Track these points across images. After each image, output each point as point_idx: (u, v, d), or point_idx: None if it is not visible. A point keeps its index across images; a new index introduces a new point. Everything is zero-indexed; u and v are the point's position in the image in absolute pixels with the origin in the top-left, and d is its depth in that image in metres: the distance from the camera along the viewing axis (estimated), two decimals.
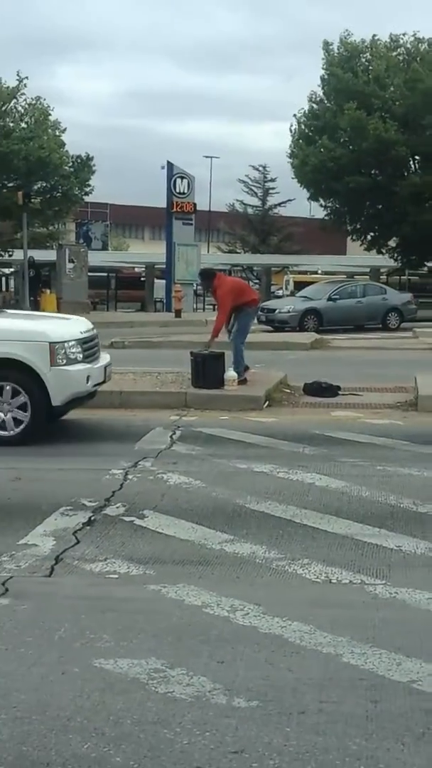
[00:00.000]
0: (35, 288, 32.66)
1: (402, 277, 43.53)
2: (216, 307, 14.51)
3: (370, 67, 36.09)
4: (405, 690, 4.00)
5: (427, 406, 11.45)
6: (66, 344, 9.54)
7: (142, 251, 58.92)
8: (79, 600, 5.10)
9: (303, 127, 37.25)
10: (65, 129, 38.46)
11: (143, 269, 50.17)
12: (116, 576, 5.52)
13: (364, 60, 36.75)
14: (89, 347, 10.06)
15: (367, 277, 44.20)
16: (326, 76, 36.61)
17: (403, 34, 36.80)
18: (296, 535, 6.30)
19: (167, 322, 28.73)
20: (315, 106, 37.10)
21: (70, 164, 38.92)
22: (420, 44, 36.38)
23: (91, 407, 11.47)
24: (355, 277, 43.30)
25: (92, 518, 6.66)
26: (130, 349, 19.90)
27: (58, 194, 38.96)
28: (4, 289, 46.12)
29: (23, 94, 37.04)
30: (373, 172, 35.88)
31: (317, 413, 11.44)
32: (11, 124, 36.49)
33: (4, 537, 6.20)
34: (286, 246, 58.95)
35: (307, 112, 37.31)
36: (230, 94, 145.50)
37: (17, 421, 9.44)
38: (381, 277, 45.07)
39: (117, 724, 3.69)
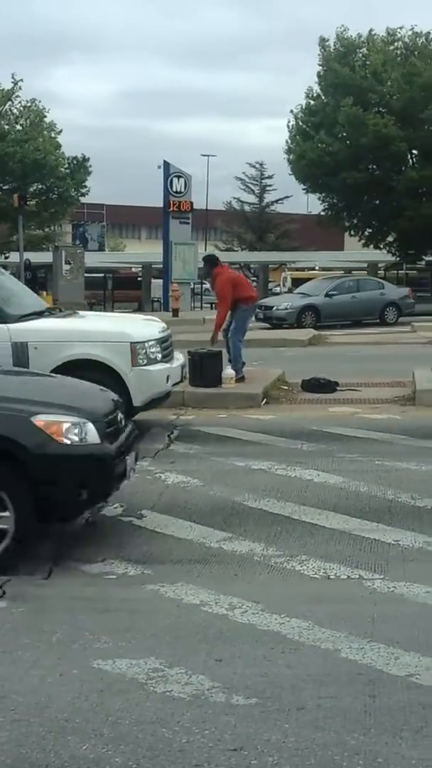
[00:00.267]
0: (32, 290, 32.60)
1: (400, 272, 43.51)
2: (213, 305, 14.52)
3: (367, 62, 36.04)
4: (403, 684, 4.00)
5: (425, 400, 11.44)
6: (146, 344, 9.47)
7: (138, 251, 58.91)
8: (76, 601, 5.11)
9: (300, 123, 37.22)
10: (61, 130, 38.50)
11: (140, 269, 50.16)
12: (114, 576, 5.52)
13: (360, 55, 36.70)
14: (166, 347, 10.05)
15: (365, 272, 44.19)
16: (322, 72, 36.57)
17: (400, 28, 36.75)
18: (294, 531, 6.30)
19: (165, 321, 28.65)
20: (312, 102, 37.06)
21: (66, 166, 38.94)
22: (418, 38, 36.31)
23: None
24: (353, 272, 43.30)
25: (90, 519, 6.65)
26: None
27: (54, 196, 38.98)
28: None
29: (18, 96, 37.06)
30: (370, 167, 35.85)
31: (315, 409, 11.43)
32: (6, 127, 36.48)
33: None
34: (283, 243, 58.91)
35: (304, 107, 37.29)
36: (226, 92, 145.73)
37: None
38: (378, 272, 45.04)
39: (115, 725, 3.69)
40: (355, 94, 34.29)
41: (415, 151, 36.03)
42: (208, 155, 71.02)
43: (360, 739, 3.54)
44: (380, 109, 34.45)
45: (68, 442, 5.68)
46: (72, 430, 5.70)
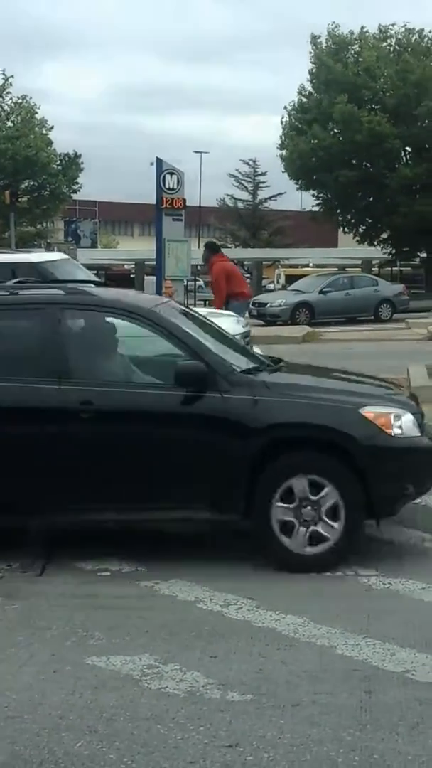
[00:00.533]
0: None
1: (394, 269, 43.53)
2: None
3: (360, 59, 36.05)
4: (399, 680, 3.99)
5: (420, 397, 11.41)
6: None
7: (131, 248, 58.81)
8: (70, 598, 5.08)
9: (293, 120, 37.21)
10: (52, 127, 38.47)
11: (133, 266, 50.08)
12: (108, 573, 5.50)
13: (352, 52, 36.71)
14: (248, 342, 10.10)
15: (359, 269, 44.21)
16: (315, 70, 36.56)
17: (392, 25, 36.78)
18: None
19: None
20: (304, 99, 37.06)
21: (58, 162, 38.90)
22: (411, 35, 36.32)
23: None
24: (347, 269, 43.30)
25: None
26: None
27: (46, 192, 38.95)
28: None
29: (9, 92, 37.00)
30: (364, 164, 35.87)
31: None
32: None
33: None
34: (276, 240, 58.87)
35: (296, 104, 37.28)
36: (218, 89, 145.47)
37: None
38: (373, 268, 45.05)
39: (110, 722, 3.67)
40: (349, 90, 34.30)
41: (408, 148, 36.07)
42: (201, 152, 70.96)
43: (356, 735, 3.53)
44: (373, 106, 34.46)
45: (396, 434, 5.54)
46: (396, 422, 5.57)
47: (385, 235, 38.78)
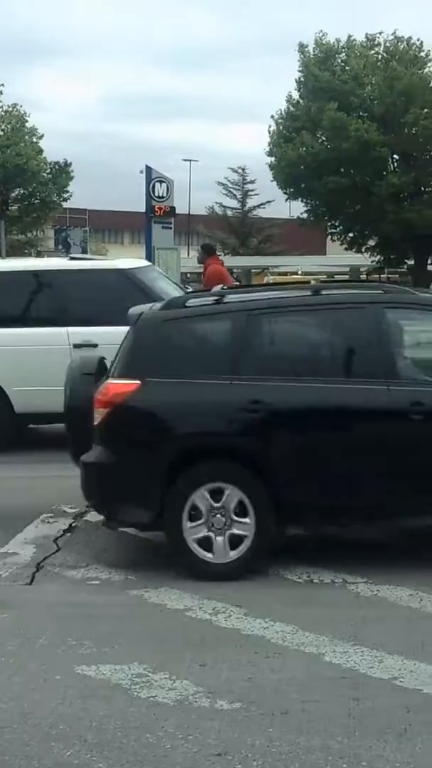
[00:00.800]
0: None
1: (381, 276, 43.68)
2: None
3: (347, 67, 36.22)
4: (387, 687, 4.01)
5: None
6: None
7: (121, 256, 58.84)
8: (60, 607, 5.09)
9: (281, 128, 37.34)
10: (42, 135, 38.45)
11: None
12: (98, 582, 5.51)
13: (339, 60, 36.88)
14: None
15: (347, 276, 44.32)
16: (302, 78, 36.72)
17: (380, 33, 36.97)
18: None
19: None
20: (292, 107, 37.20)
21: (48, 171, 38.89)
22: (399, 43, 36.51)
23: None
24: (336, 276, 43.42)
25: (73, 525, 6.64)
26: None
27: (36, 201, 38.93)
28: None
29: (0, 101, 37.01)
30: (351, 171, 36.00)
31: None
32: None
33: None
34: (266, 248, 59.00)
35: (284, 113, 37.41)
36: (208, 97, 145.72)
37: None
38: (361, 276, 45.20)
39: (100, 731, 3.68)
40: (337, 98, 34.45)
41: (396, 156, 36.23)
42: (190, 160, 71.12)
43: (344, 742, 3.55)
44: (361, 113, 34.61)
45: None
46: None
47: (372, 243, 38.91)
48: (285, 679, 4.10)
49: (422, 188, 35.91)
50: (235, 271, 55.17)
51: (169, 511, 5.46)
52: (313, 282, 33.95)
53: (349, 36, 37.03)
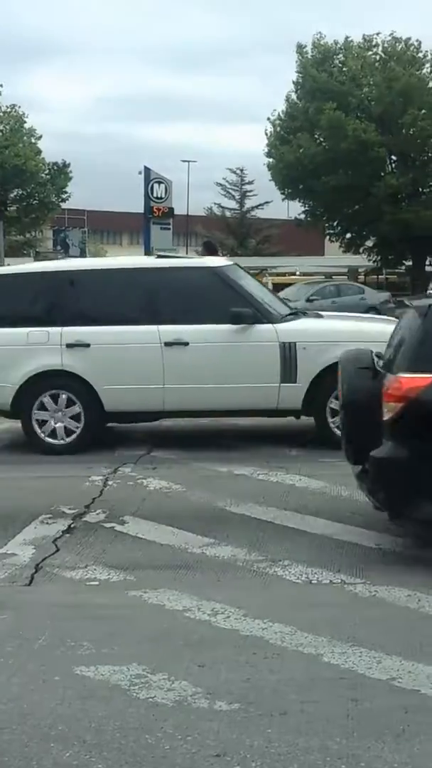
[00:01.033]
0: None
1: (379, 277, 43.74)
2: None
3: (344, 68, 36.27)
4: (385, 688, 4.02)
5: None
6: None
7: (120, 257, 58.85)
8: (59, 608, 5.09)
9: (278, 129, 37.38)
10: (41, 136, 38.53)
11: None
12: (97, 583, 5.52)
13: (337, 61, 36.93)
14: None
15: (345, 277, 44.36)
16: (300, 80, 36.77)
17: (377, 34, 37.04)
18: (276, 536, 6.32)
19: None
20: (289, 109, 37.25)
21: (47, 171, 38.95)
22: (397, 43, 36.57)
23: None
24: (333, 277, 43.46)
25: (72, 525, 6.65)
26: None
27: (35, 202, 38.99)
28: None
29: None
30: (349, 172, 36.05)
31: None
32: None
33: None
34: (264, 248, 59.06)
35: (282, 114, 37.46)
36: (207, 97, 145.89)
37: None
38: (359, 276, 45.26)
39: (98, 732, 3.69)
40: (335, 98, 34.50)
41: (393, 157, 36.27)
42: (188, 161, 71.15)
43: (342, 743, 3.56)
44: (359, 114, 34.67)
45: None
46: None
47: (370, 243, 38.97)
48: (284, 679, 4.11)
49: (420, 189, 35.99)
50: None
51: None
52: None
53: (347, 37, 37.09)
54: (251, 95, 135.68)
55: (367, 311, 29.92)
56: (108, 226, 78.94)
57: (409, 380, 5.57)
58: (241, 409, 9.44)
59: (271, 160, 37.29)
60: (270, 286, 43.44)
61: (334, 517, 6.71)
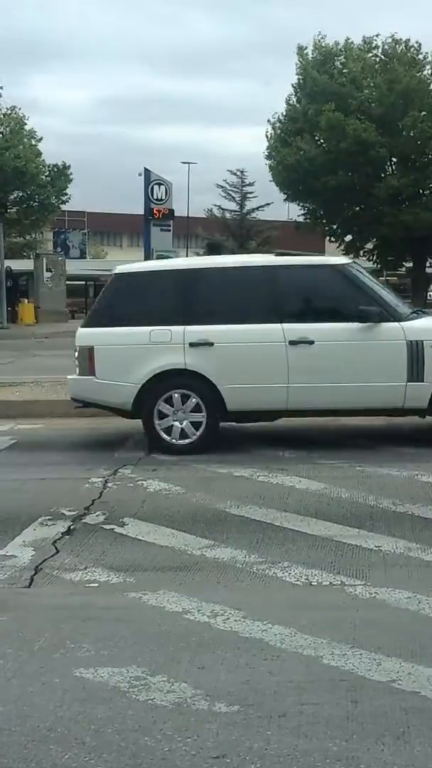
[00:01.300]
0: (13, 298, 32.58)
1: (380, 279, 43.72)
2: None
3: (345, 70, 36.30)
4: (385, 690, 4.01)
5: None
6: None
7: (120, 258, 58.88)
8: (59, 610, 5.09)
9: (278, 131, 37.41)
10: (41, 138, 38.51)
11: None
12: (96, 584, 5.51)
13: (338, 63, 36.95)
14: None
15: None
16: (301, 81, 36.78)
17: (377, 36, 37.06)
18: (276, 538, 6.31)
19: None
20: (289, 111, 37.28)
21: (47, 173, 38.93)
22: (397, 45, 36.59)
23: (70, 416, 11.46)
24: None
25: (72, 527, 6.64)
26: None
27: (35, 204, 38.96)
28: None
29: None
30: (350, 173, 36.07)
31: None
32: None
33: None
34: (264, 250, 58.99)
35: (281, 117, 37.48)
36: (207, 99, 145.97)
37: None
38: None
39: (98, 733, 3.68)
40: (335, 100, 34.52)
41: (394, 159, 36.29)
42: (188, 162, 71.18)
43: (342, 745, 3.55)
44: (360, 116, 34.69)
45: None
46: None
47: (370, 245, 38.99)
48: (283, 681, 4.10)
49: (420, 191, 36.00)
50: None
51: None
52: None
53: (347, 39, 37.12)
54: (252, 97, 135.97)
55: None
56: (108, 228, 79.02)
57: None
58: (366, 408, 9.39)
59: (271, 162, 37.31)
60: None
61: (334, 518, 6.70)
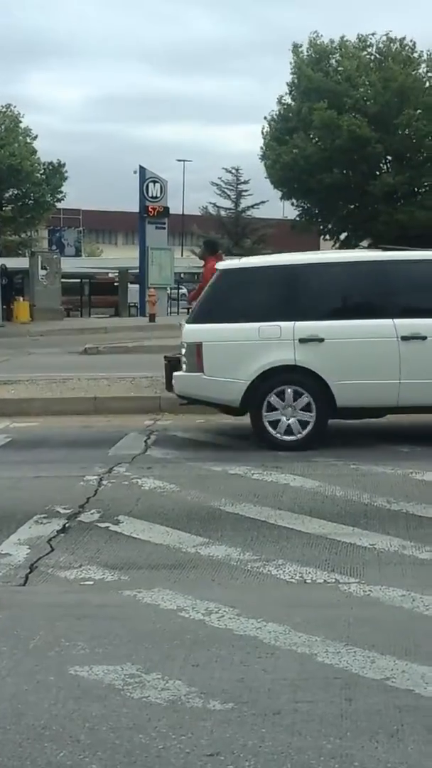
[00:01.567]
0: (8, 296, 32.53)
1: None
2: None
3: (340, 68, 36.31)
4: (379, 687, 4.02)
5: None
6: None
7: (115, 256, 58.88)
8: (53, 608, 5.09)
9: (273, 129, 37.41)
10: (36, 136, 38.48)
11: (117, 274, 50.11)
12: (91, 582, 5.52)
13: (333, 61, 36.96)
14: None
15: None
16: (295, 80, 36.77)
17: (372, 34, 37.08)
18: (271, 536, 6.32)
19: (141, 326, 28.69)
20: (283, 110, 37.29)
21: (42, 171, 38.89)
22: (392, 44, 36.62)
23: (65, 414, 11.48)
24: None
25: (67, 525, 6.64)
26: (104, 355, 19.88)
27: (30, 201, 38.92)
28: None
29: None
30: (345, 171, 36.08)
31: None
32: None
33: None
34: (259, 248, 58.98)
35: (277, 114, 37.48)
36: (203, 97, 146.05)
37: None
38: None
39: (92, 731, 3.69)
40: (329, 98, 34.53)
41: (389, 157, 36.32)
42: (183, 160, 71.23)
43: (336, 743, 3.56)
44: (355, 115, 34.70)
45: None
46: None
47: (365, 244, 38.98)
48: (277, 679, 4.11)
49: (415, 189, 36.02)
50: None
51: None
52: None
53: (342, 37, 37.13)
54: (248, 95, 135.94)
55: None
56: (103, 226, 78.98)
57: None
58: None
59: (266, 161, 37.30)
60: None
61: (328, 516, 6.71)
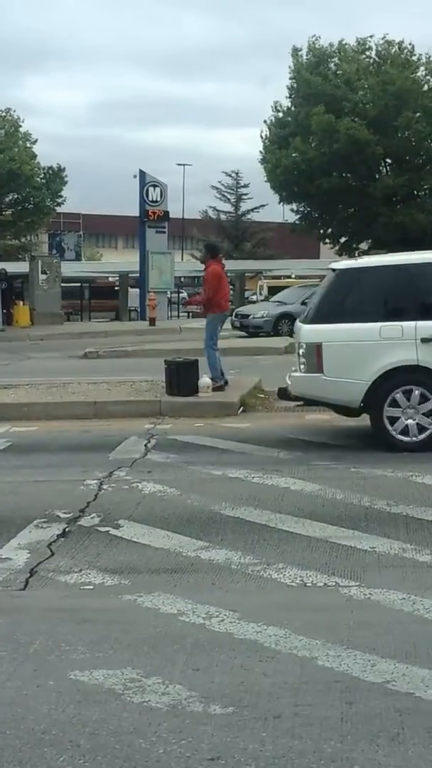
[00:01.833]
0: (8, 300, 32.53)
1: None
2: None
3: (339, 72, 36.35)
4: (379, 691, 4.02)
5: None
6: None
7: (115, 260, 58.89)
8: (54, 612, 5.09)
9: (272, 134, 37.44)
10: (36, 140, 38.59)
11: (117, 278, 50.12)
12: (91, 587, 5.51)
13: (332, 65, 36.99)
14: None
15: None
16: (294, 84, 36.80)
17: (371, 37, 37.11)
18: (271, 539, 6.32)
19: (141, 330, 28.73)
20: (282, 114, 37.32)
21: (42, 176, 38.96)
22: (390, 47, 36.65)
23: (65, 418, 11.47)
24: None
25: (67, 530, 6.64)
26: (104, 359, 19.89)
27: (30, 206, 39.00)
28: None
29: None
30: (345, 174, 36.10)
31: (291, 417, 11.47)
32: None
33: None
34: (259, 251, 59.07)
35: (276, 119, 37.52)
36: (202, 101, 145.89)
37: None
38: None
39: (92, 736, 3.68)
40: (328, 102, 34.56)
41: (389, 160, 36.35)
42: (183, 164, 71.28)
43: (336, 746, 3.55)
44: (354, 118, 34.72)
45: None
46: None
47: (365, 246, 39.04)
48: (278, 683, 4.11)
49: (415, 192, 36.06)
50: (228, 275, 55.19)
51: None
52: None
53: (341, 40, 37.17)
54: (247, 99, 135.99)
55: None
56: (103, 230, 78.98)
57: None
58: None
59: (266, 165, 37.33)
60: (265, 289, 43.69)
61: (328, 520, 6.71)
